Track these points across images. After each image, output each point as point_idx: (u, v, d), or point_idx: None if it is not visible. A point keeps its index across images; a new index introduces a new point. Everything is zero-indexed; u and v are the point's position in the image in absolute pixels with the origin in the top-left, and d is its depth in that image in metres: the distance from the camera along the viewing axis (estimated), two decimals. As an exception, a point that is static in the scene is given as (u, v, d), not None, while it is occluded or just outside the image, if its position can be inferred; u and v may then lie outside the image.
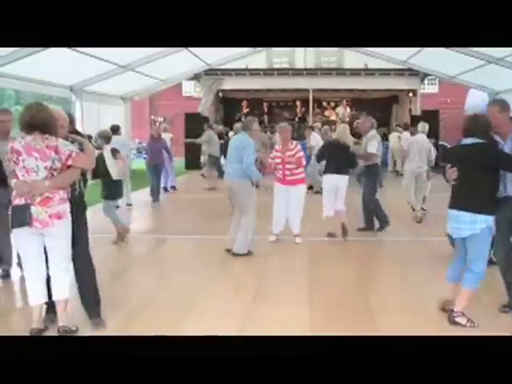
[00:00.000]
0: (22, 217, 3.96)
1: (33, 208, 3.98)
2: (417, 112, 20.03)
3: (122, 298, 5.20)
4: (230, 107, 23.74)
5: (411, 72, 19.24)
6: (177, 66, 15.86)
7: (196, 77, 20.64)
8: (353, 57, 19.26)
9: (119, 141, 10.26)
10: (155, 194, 11.93)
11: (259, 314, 4.76)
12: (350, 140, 8.09)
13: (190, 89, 26.41)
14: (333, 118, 22.60)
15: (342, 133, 8.05)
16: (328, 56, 21.31)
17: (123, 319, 4.61)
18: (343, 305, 5.01)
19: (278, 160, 7.68)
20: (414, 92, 20.79)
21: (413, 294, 5.36)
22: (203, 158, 16.67)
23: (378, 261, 6.96)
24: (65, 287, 4.24)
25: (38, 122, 4.01)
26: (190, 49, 14.20)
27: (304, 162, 7.81)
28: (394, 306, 4.94)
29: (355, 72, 20.26)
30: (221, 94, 22.58)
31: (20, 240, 4.16)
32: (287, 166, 7.61)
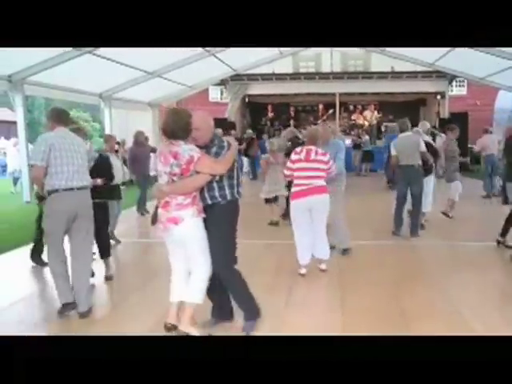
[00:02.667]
0: (153, 217, 4.23)
1: (159, 210, 4.15)
2: (445, 115, 19.82)
3: (153, 302, 5.24)
4: (256, 112, 23.83)
5: (439, 74, 19.08)
6: (203, 72, 16.01)
7: (223, 82, 20.78)
8: (379, 60, 19.20)
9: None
10: (142, 207, 10.62)
11: (291, 319, 4.73)
12: None
13: (216, 94, 26.52)
14: (360, 121, 22.49)
15: None
16: (354, 59, 21.23)
17: (155, 323, 4.63)
18: (375, 311, 4.96)
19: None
20: (442, 94, 20.57)
21: (447, 301, 5.27)
22: None
23: (412, 266, 6.86)
24: (196, 291, 4.20)
25: (167, 127, 4.05)
26: (217, 54, 14.33)
27: None
28: (428, 315, 4.84)
29: (382, 75, 20.15)
30: (247, 99, 22.68)
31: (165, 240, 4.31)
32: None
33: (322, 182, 5.96)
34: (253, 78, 20.52)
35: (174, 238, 4.17)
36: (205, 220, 4.16)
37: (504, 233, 7.09)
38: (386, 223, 8.40)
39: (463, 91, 24.58)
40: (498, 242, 7.17)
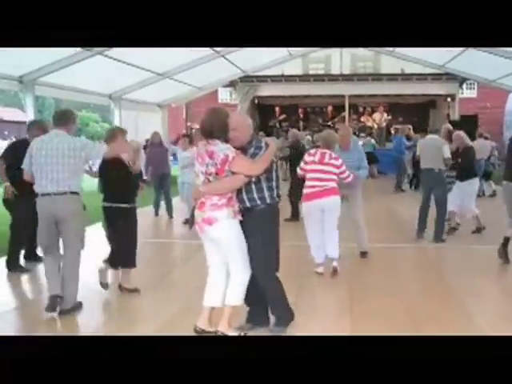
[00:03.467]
0: (190, 218, 4.30)
1: (195, 211, 4.15)
2: (455, 117, 19.72)
3: (165, 303, 5.25)
4: (265, 113, 23.82)
5: (449, 76, 19.00)
6: (213, 73, 16.01)
7: (232, 84, 20.79)
8: (389, 62, 19.15)
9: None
10: (157, 208, 10.87)
11: (299, 323, 4.72)
12: None
13: (226, 96, 26.53)
14: (369, 123, 22.43)
15: None
16: (364, 61, 21.20)
17: (164, 324, 4.64)
18: (384, 315, 4.94)
19: None
20: (452, 97, 20.48)
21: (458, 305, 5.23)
22: None
23: (425, 270, 6.82)
24: (235, 294, 4.17)
25: (204, 125, 4.07)
26: (226, 56, 14.33)
27: None
28: (439, 320, 4.81)
29: (392, 77, 20.09)
30: (257, 101, 22.68)
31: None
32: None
33: (333, 184, 6.06)
34: (262, 79, 20.52)
35: (210, 239, 4.13)
36: (244, 223, 4.10)
37: None
38: (398, 226, 8.36)
39: (473, 93, 24.45)
40: None
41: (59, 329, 4.72)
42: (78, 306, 5.01)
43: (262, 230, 4.12)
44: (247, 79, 20.17)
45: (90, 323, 4.79)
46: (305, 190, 6.20)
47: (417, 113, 23.13)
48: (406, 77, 19.84)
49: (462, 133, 8.22)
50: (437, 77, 19.38)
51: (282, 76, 20.35)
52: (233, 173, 3.97)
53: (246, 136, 4.11)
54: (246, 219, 4.11)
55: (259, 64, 17.70)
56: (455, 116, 19.93)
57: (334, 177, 6.08)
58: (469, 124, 15.56)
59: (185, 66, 13.59)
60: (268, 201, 4.15)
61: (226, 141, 4.03)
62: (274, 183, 4.20)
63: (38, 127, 6.05)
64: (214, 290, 4.25)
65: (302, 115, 24.11)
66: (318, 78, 20.85)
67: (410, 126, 17.64)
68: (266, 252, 4.14)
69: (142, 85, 13.78)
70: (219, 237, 4.05)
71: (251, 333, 4.27)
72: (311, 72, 21.42)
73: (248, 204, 4.12)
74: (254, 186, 4.10)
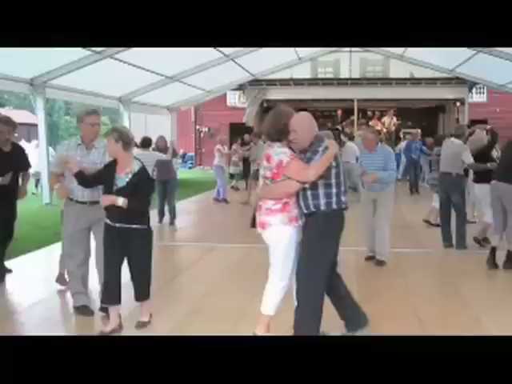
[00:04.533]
0: (251, 219, 4.27)
1: (256, 213, 4.12)
2: (464, 122, 19.65)
3: (173, 305, 5.25)
4: (274, 117, 23.81)
5: (458, 81, 18.93)
6: (222, 77, 16.08)
7: (241, 87, 20.83)
8: (398, 66, 19.11)
9: (147, 156, 9.18)
10: (161, 216, 10.36)
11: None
12: None
13: (234, 99, 26.60)
14: (378, 127, 22.38)
15: None
16: (373, 65, 21.17)
17: (173, 327, 4.64)
18: (390, 316, 4.92)
19: None
20: (462, 101, 20.41)
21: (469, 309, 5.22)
22: (233, 169, 16.42)
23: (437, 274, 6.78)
24: (267, 302, 4.06)
25: (264, 127, 4.07)
26: (235, 59, 14.38)
27: None
28: (446, 323, 4.78)
29: (401, 81, 20.04)
30: (265, 104, 22.70)
31: None
32: None
33: None
34: (271, 83, 20.54)
35: (266, 241, 4.07)
36: (303, 231, 3.96)
37: None
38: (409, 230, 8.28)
39: (483, 98, 24.38)
40: None
41: (77, 328, 4.75)
42: None
43: (311, 240, 3.90)
44: (256, 83, 20.19)
45: (99, 324, 4.80)
46: None
47: (426, 117, 23.08)
48: (415, 81, 19.80)
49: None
50: (446, 81, 19.32)
51: (291, 80, 20.36)
52: (288, 178, 3.82)
53: (305, 138, 3.88)
54: (304, 225, 3.97)
55: (268, 67, 17.75)
56: (465, 121, 19.86)
57: None
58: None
59: (194, 70, 13.65)
60: (322, 208, 3.87)
61: (288, 143, 3.91)
62: (333, 190, 3.89)
63: None
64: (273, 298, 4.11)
65: (310, 119, 24.08)
66: (327, 82, 20.84)
67: (419, 130, 17.58)
68: (310, 265, 3.88)
69: (151, 88, 13.86)
70: (269, 241, 3.97)
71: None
72: (320, 76, 21.41)
73: (305, 210, 3.92)
74: (309, 192, 3.86)
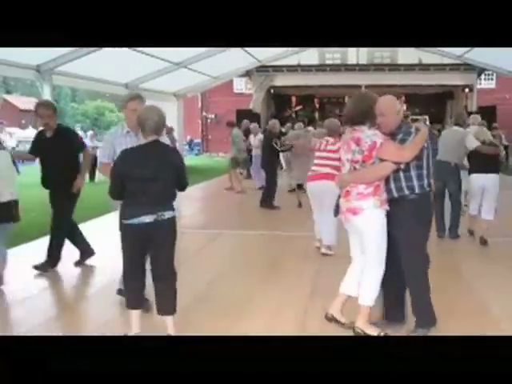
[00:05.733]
0: (335, 207, 4.16)
1: (340, 200, 4.05)
2: (473, 108, 19.52)
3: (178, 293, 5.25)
4: (281, 104, 23.77)
5: (467, 67, 18.77)
6: (228, 63, 15.98)
7: (247, 74, 20.76)
8: (406, 52, 18.97)
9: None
10: None
11: (316, 311, 4.70)
12: None
13: (241, 85, 26.54)
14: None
15: None
16: (381, 51, 21.03)
17: (177, 315, 4.64)
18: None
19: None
20: (470, 87, 20.26)
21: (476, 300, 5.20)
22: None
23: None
24: (368, 293, 3.96)
25: (348, 112, 3.97)
26: (239, 47, 14.29)
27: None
28: (456, 313, 4.75)
29: (409, 67, 19.91)
30: (272, 91, 22.62)
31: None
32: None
33: (327, 170, 6.35)
34: (278, 69, 20.46)
35: (354, 229, 4.00)
36: (390, 214, 3.90)
37: None
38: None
39: (492, 84, 24.22)
40: None
41: (81, 314, 4.77)
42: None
43: (408, 222, 3.86)
44: (263, 69, 20.10)
45: (105, 314, 4.82)
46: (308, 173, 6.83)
47: (434, 104, 22.96)
48: (423, 67, 19.66)
49: None
50: (455, 67, 19.16)
51: (298, 66, 20.26)
52: (381, 160, 3.77)
53: (394, 121, 3.87)
54: (392, 210, 3.89)
55: (275, 54, 17.62)
56: (473, 107, 19.73)
57: (330, 162, 6.34)
58: (487, 115, 15.38)
59: (201, 56, 13.57)
60: (417, 190, 3.86)
61: (374, 126, 3.86)
62: (424, 171, 3.89)
63: None
64: (352, 279, 4.11)
65: (318, 105, 24.02)
66: (335, 68, 20.74)
67: (426, 117, 17.46)
68: (412, 246, 3.89)
69: (158, 74, 13.80)
70: (363, 227, 3.89)
71: (388, 331, 4.07)
72: (327, 62, 21.32)
73: (396, 194, 3.89)
74: (402, 174, 3.85)
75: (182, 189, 4.09)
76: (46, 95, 10.23)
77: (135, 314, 3.93)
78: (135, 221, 3.75)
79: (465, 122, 7.61)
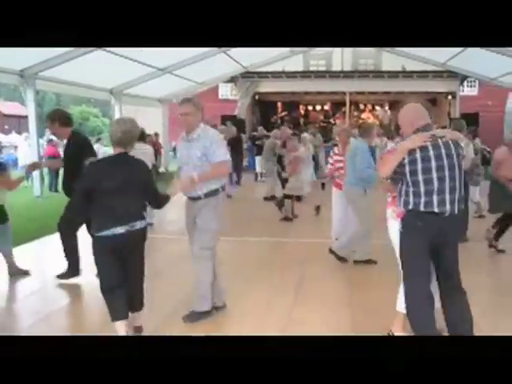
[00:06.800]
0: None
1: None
2: (456, 115, 19.73)
3: (162, 299, 5.25)
4: (266, 110, 23.81)
5: (450, 74, 19.01)
6: (214, 69, 16.03)
7: (233, 79, 20.79)
8: (390, 59, 19.13)
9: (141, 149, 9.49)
10: None
11: (300, 316, 4.74)
12: None
13: (226, 91, 26.53)
14: (370, 120, 22.43)
15: None
16: (365, 58, 21.19)
17: (162, 320, 4.64)
18: (380, 309, 4.97)
19: (340, 164, 7.06)
20: (453, 94, 20.48)
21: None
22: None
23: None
24: (401, 301, 3.89)
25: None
26: (227, 52, 14.33)
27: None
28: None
29: (393, 74, 20.08)
30: (257, 97, 22.67)
31: None
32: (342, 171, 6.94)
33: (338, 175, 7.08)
34: (263, 75, 20.52)
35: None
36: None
37: (497, 236, 7.06)
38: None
39: (474, 91, 24.45)
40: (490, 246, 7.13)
41: (67, 322, 4.75)
42: None
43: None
44: (248, 75, 20.15)
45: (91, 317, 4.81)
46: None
47: (418, 110, 23.12)
48: (406, 74, 19.84)
49: None
50: (438, 74, 19.38)
51: (283, 72, 20.34)
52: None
53: (406, 131, 3.83)
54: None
55: (260, 60, 17.70)
56: (456, 114, 19.94)
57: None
58: (470, 122, 15.54)
59: (186, 62, 13.60)
60: (410, 207, 3.68)
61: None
62: (421, 188, 3.64)
63: None
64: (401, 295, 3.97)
65: (302, 112, 24.11)
66: (319, 75, 20.84)
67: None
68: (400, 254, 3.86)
69: (143, 80, 13.80)
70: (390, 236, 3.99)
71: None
72: (312, 69, 21.41)
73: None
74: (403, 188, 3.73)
75: (158, 206, 4.14)
76: (30, 100, 10.19)
77: (121, 324, 3.86)
78: (108, 232, 3.75)
79: (463, 128, 7.66)
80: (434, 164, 3.54)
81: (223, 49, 13.82)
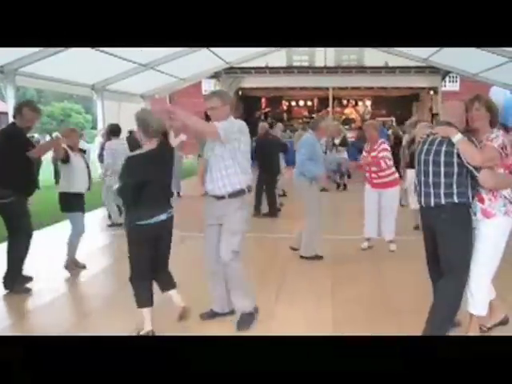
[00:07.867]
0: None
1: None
2: (437, 110, 19.87)
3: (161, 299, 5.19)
4: (249, 105, 23.78)
5: (432, 70, 19.12)
6: (197, 65, 15.90)
7: (216, 75, 20.71)
8: (373, 55, 19.18)
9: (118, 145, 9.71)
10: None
11: (282, 314, 4.75)
12: None
13: (209, 87, 26.40)
14: (352, 116, 22.52)
15: None
16: (348, 54, 21.24)
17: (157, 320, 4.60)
18: (361, 304, 4.98)
19: (368, 159, 7.01)
20: (435, 90, 20.62)
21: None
22: None
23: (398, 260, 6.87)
24: (478, 302, 3.92)
25: None
26: (210, 47, 14.25)
27: (384, 164, 6.78)
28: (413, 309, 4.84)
29: (375, 70, 20.17)
30: (241, 93, 22.62)
31: None
32: (372, 168, 6.92)
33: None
34: (246, 71, 20.48)
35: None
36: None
37: None
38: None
39: (456, 87, 24.61)
40: None
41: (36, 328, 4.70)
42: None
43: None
44: (231, 71, 20.09)
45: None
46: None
47: (400, 105, 23.27)
48: (389, 70, 19.93)
49: None
50: (420, 70, 19.49)
51: (267, 68, 20.32)
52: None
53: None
54: None
55: (243, 56, 17.61)
56: (438, 109, 20.08)
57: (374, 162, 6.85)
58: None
59: (168, 57, 13.48)
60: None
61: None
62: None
63: None
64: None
65: (285, 107, 24.12)
66: (302, 71, 20.86)
67: (393, 119, 17.66)
68: None
69: (125, 75, 13.66)
70: (490, 231, 3.93)
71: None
72: (295, 64, 21.41)
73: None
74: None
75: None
76: (10, 97, 10.03)
77: (148, 311, 4.18)
78: (151, 221, 3.96)
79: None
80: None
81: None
